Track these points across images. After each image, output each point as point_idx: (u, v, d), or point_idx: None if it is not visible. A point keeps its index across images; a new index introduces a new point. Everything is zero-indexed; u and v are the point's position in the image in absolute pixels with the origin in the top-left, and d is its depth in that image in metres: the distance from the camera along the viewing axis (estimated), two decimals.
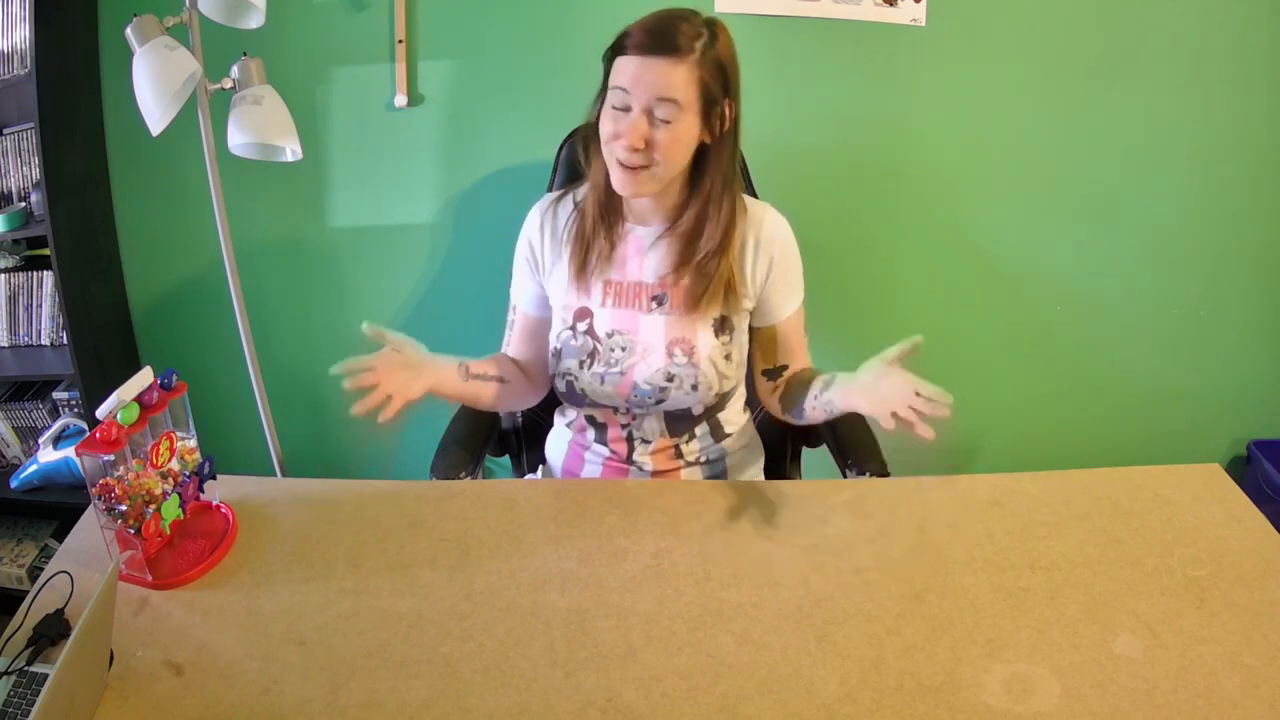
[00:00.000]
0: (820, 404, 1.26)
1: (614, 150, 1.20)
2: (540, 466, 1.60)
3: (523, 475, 1.68)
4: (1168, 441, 2.26)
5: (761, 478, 1.53)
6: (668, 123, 1.16)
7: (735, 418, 1.43)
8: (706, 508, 1.24)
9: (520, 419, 1.65)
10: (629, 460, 1.40)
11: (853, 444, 1.49)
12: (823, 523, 1.20)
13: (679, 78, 1.15)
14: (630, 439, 1.39)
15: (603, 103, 1.22)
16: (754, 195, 1.61)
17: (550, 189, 1.64)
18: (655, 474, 1.40)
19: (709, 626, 1.04)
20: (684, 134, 1.19)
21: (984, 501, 1.24)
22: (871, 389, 1.14)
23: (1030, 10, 1.88)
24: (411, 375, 1.19)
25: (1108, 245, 2.07)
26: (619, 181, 1.22)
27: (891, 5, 1.86)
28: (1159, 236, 2.06)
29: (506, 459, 1.70)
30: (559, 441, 1.49)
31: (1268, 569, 1.11)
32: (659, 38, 1.15)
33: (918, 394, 1.06)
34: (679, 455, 1.39)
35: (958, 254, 2.07)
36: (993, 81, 1.93)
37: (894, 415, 1.06)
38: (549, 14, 1.88)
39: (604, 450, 1.41)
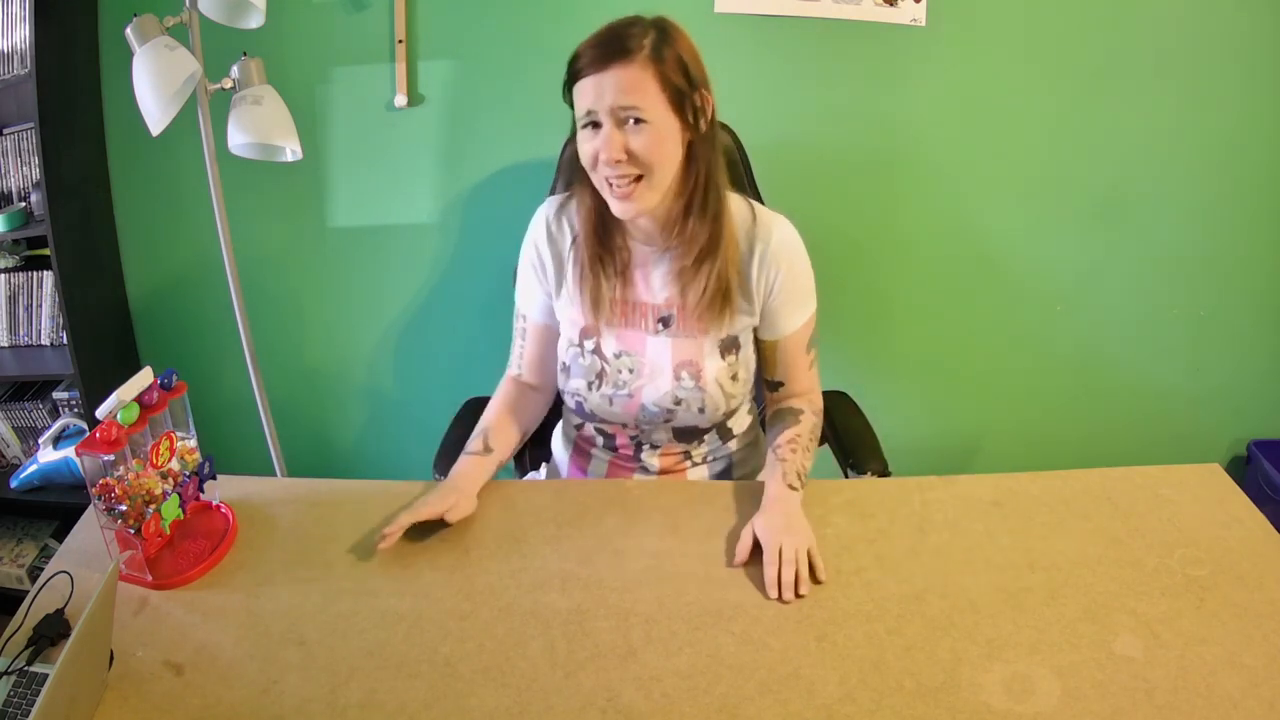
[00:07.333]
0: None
1: (601, 174, 1.17)
2: (544, 464, 1.60)
3: (525, 473, 1.68)
4: (1168, 442, 2.26)
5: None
6: (641, 122, 1.13)
7: (742, 419, 1.43)
8: (706, 508, 1.24)
9: None
10: (635, 459, 1.40)
11: (855, 444, 1.49)
12: (823, 523, 1.20)
13: (634, 77, 1.12)
14: (638, 445, 1.38)
15: (576, 135, 1.19)
16: (759, 198, 1.61)
17: (553, 190, 1.64)
18: (661, 473, 1.39)
19: (709, 626, 1.04)
20: (664, 133, 1.15)
21: (984, 501, 1.24)
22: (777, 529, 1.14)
23: (1030, 10, 1.88)
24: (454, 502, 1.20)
25: (1108, 244, 2.07)
26: (619, 207, 1.18)
27: (891, 5, 1.86)
28: (1159, 236, 2.06)
29: None
30: (565, 437, 1.49)
31: (1268, 569, 1.11)
32: (606, 47, 1.13)
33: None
34: (687, 458, 1.40)
35: (958, 253, 2.07)
36: (993, 81, 1.93)
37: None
38: (549, 14, 1.88)
39: (610, 452, 1.41)
